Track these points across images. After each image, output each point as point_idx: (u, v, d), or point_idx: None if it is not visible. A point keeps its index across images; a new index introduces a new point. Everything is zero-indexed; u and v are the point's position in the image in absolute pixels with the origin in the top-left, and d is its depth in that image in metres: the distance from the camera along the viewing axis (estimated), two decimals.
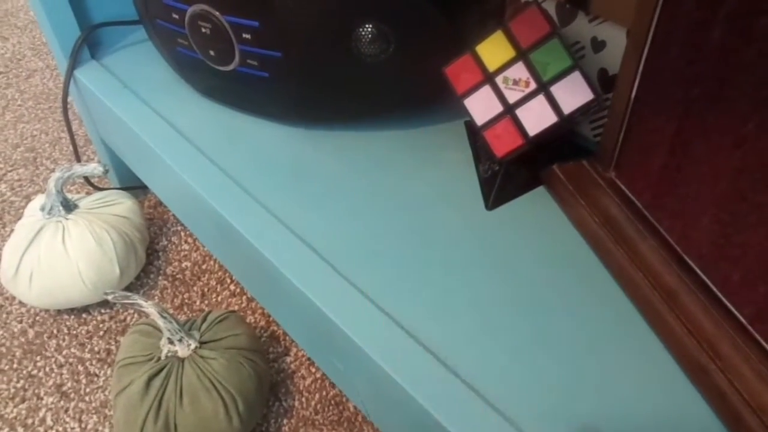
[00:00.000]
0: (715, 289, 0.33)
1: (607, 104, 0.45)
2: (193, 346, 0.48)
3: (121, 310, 0.61)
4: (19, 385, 0.56)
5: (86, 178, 0.69)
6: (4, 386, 0.55)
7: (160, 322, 0.47)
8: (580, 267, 0.40)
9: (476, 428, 0.32)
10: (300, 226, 0.44)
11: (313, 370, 0.57)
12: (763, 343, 0.30)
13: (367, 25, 0.44)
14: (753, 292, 0.31)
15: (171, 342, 0.48)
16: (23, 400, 0.55)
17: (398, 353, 0.36)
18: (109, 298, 0.47)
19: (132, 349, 0.49)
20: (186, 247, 0.68)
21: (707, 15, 0.29)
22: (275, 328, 0.60)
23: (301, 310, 0.42)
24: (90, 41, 0.61)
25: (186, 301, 0.63)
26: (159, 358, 0.48)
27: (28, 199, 0.73)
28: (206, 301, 0.63)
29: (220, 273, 0.65)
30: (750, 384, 0.30)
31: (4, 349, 0.58)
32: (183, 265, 0.66)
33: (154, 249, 0.67)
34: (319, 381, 0.56)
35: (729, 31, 0.29)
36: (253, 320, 0.61)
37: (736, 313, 0.32)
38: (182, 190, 0.51)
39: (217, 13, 0.46)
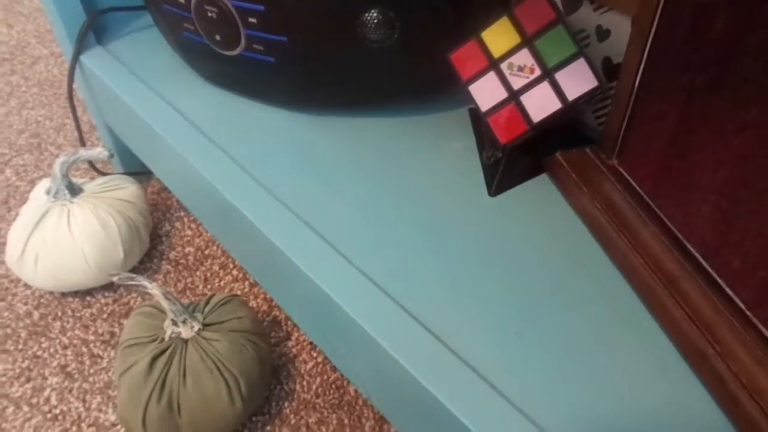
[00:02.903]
0: (715, 275, 0.33)
1: (610, 93, 0.45)
2: (196, 328, 0.48)
3: (124, 294, 0.62)
4: (24, 365, 0.56)
5: (91, 163, 0.69)
6: (9, 366, 0.56)
7: (165, 304, 0.47)
8: (581, 253, 0.41)
9: (477, 407, 0.33)
10: (304, 210, 0.44)
11: (315, 354, 0.57)
12: (761, 327, 0.31)
13: (372, 11, 0.44)
14: (752, 277, 0.31)
15: (175, 323, 0.48)
16: (28, 380, 0.55)
17: (401, 335, 0.36)
18: (115, 279, 0.47)
19: (136, 330, 0.49)
20: (189, 232, 0.68)
21: (711, 1, 0.30)
22: (277, 313, 0.60)
23: (305, 293, 0.42)
24: (95, 27, 0.62)
25: (189, 285, 0.63)
26: (163, 339, 0.48)
27: (32, 184, 0.73)
28: (209, 286, 0.63)
29: (222, 258, 0.65)
30: (747, 368, 0.31)
31: (9, 330, 0.59)
32: (186, 250, 0.66)
33: (157, 234, 0.68)
34: (320, 365, 0.56)
35: (733, 18, 0.29)
36: (255, 305, 0.61)
37: (735, 298, 0.32)
38: (187, 175, 0.51)
39: None
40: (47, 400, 0.54)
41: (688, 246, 0.35)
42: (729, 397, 0.31)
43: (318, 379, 0.55)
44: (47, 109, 0.84)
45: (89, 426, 0.52)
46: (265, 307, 0.61)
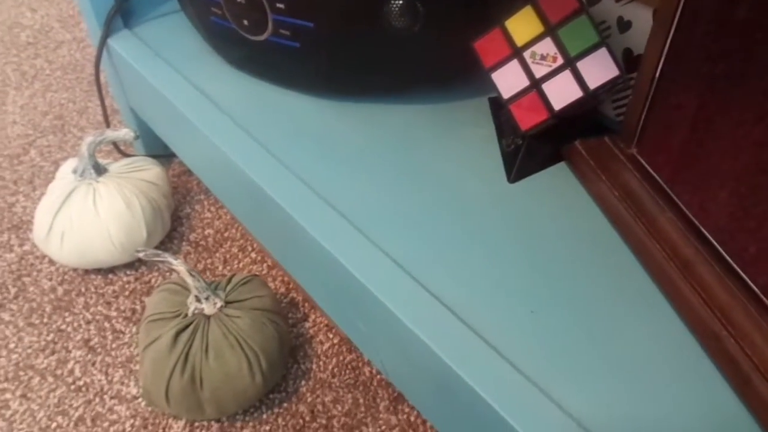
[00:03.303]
0: (730, 260, 0.34)
1: (630, 83, 0.46)
2: (219, 305, 0.50)
3: (145, 273, 0.63)
4: (49, 338, 0.58)
5: (115, 144, 0.70)
6: (35, 339, 0.58)
7: (189, 280, 0.49)
8: (598, 239, 0.42)
9: (496, 383, 0.34)
10: (328, 191, 0.46)
11: (331, 335, 0.58)
12: None
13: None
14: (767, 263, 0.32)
15: (198, 300, 0.49)
16: (53, 353, 0.57)
17: (422, 313, 0.38)
18: (141, 255, 0.49)
19: (160, 305, 0.51)
20: (209, 215, 0.70)
21: None
22: (295, 295, 0.62)
23: (328, 272, 0.43)
24: (123, 11, 0.63)
25: (208, 266, 0.65)
26: (186, 315, 0.49)
27: (56, 164, 0.75)
28: (228, 267, 0.64)
29: (241, 241, 0.67)
30: (760, 350, 0.32)
31: (35, 305, 0.60)
32: (206, 232, 0.68)
33: (177, 216, 0.69)
34: (336, 346, 0.58)
35: (756, 7, 0.30)
36: (273, 287, 0.62)
37: (750, 283, 0.33)
38: (212, 156, 0.53)
39: None
40: (71, 372, 0.56)
41: (705, 232, 0.36)
42: (741, 377, 0.32)
43: (334, 360, 0.57)
44: (70, 92, 0.86)
45: (111, 398, 0.54)
46: (282, 289, 0.62)
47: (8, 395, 0.54)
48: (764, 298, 0.32)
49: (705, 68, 0.34)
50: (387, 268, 0.40)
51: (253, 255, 0.65)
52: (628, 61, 0.47)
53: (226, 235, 0.67)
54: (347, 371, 0.56)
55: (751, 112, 0.31)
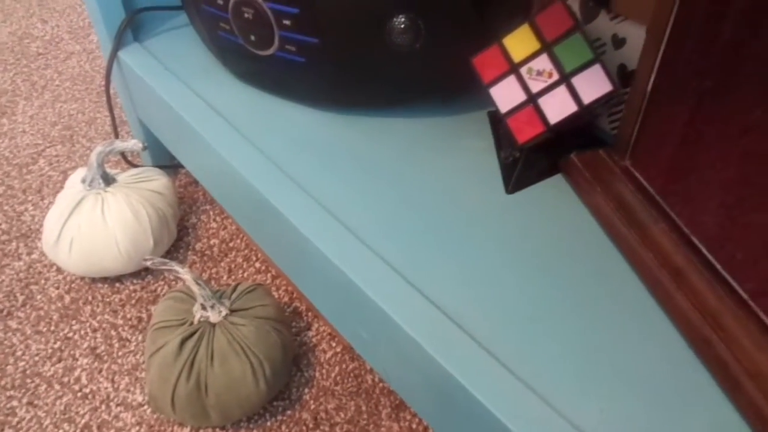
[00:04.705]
0: (719, 267, 0.36)
1: (624, 98, 0.48)
2: (224, 313, 0.51)
3: (151, 282, 0.65)
4: (56, 346, 0.59)
5: (123, 155, 0.72)
6: (42, 346, 0.59)
7: (195, 288, 0.50)
8: (593, 248, 0.43)
9: (497, 391, 0.35)
10: (331, 202, 0.47)
11: (334, 344, 0.60)
12: (763, 316, 0.33)
13: (400, 17, 0.47)
14: (754, 269, 0.33)
15: (204, 308, 0.51)
16: (60, 360, 0.58)
17: (423, 321, 0.39)
18: (148, 264, 0.50)
19: (166, 313, 0.52)
20: (214, 225, 0.71)
21: (720, 9, 0.32)
22: (298, 304, 0.63)
23: (331, 281, 0.45)
24: (133, 24, 0.65)
25: (213, 276, 0.66)
26: (192, 323, 0.51)
27: (65, 174, 0.76)
28: (233, 277, 0.66)
29: (246, 251, 0.68)
30: (749, 353, 0.33)
31: (42, 313, 0.62)
32: (211, 242, 0.69)
33: (183, 226, 0.70)
34: (339, 354, 0.59)
35: (740, 25, 0.31)
36: (277, 296, 0.64)
37: (738, 289, 0.34)
38: (219, 168, 0.54)
39: (260, 0, 0.49)
40: (78, 379, 0.57)
41: (695, 241, 0.37)
42: (731, 380, 0.33)
43: (337, 368, 0.58)
44: (79, 102, 0.87)
45: (117, 405, 0.55)
46: (286, 299, 0.63)
47: (15, 402, 0.55)
48: (752, 303, 0.34)
49: (694, 84, 0.36)
50: (389, 278, 0.42)
51: (258, 265, 0.67)
52: (622, 76, 0.48)
53: (231, 245, 0.69)
54: (350, 379, 0.57)
55: (737, 126, 0.33)
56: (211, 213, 0.72)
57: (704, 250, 0.36)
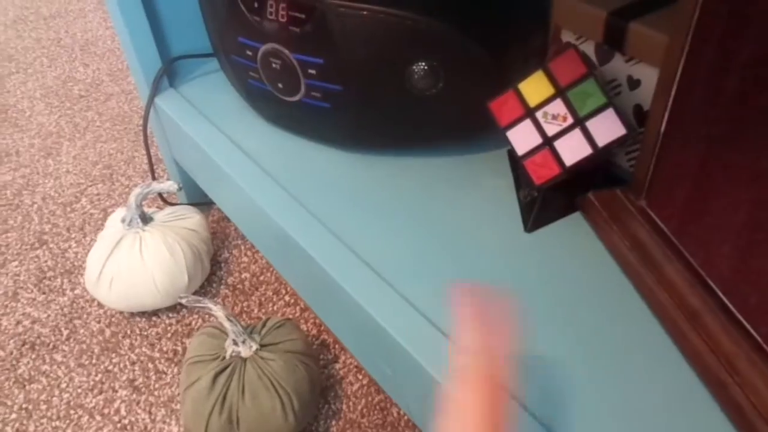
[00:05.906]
0: (734, 310, 0.36)
1: (641, 137, 0.49)
2: (254, 348, 0.53)
3: (186, 316, 0.67)
4: (97, 379, 0.62)
5: (160, 194, 0.75)
6: (84, 379, 0.62)
7: (227, 325, 0.52)
8: (611, 287, 0.44)
9: (516, 429, 0.36)
10: (354, 241, 0.49)
11: (360, 377, 0.61)
12: None
13: (419, 63, 0.49)
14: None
15: (235, 343, 0.53)
16: (101, 392, 0.61)
17: (444, 360, 0.40)
18: (183, 301, 0.53)
19: (200, 348, 0.54)
20: (245, 259, 0.73)
21: (725, 64, 0.33)
22: (326, 337, 0.65)
23: (355, 318, 0.46)
24: (169, 71, 0.68)
25: (245, 309, 0.68)
26: (224, 358, 0.53)
27: (105, 211, 0.80)
28: (263, 310, 0.68)
29: (276, 284, 0.70)
30: (765, 398, 0.33)
31: (84, 346, 0.65)
32: (243, 276, 0.72)
33: (216, 260, 0.73)
34: (365, 387, 0.60)
35: (744, 79, 0.32)
36: (305, 329, 0.65)
37: (753, 332, 0.35)
38: (248, 207, 0.57)
39: (287, 51, 0.51)
40: (117, 411, 0.59)
41: (710, 282, 0.38)
42: (747, 425, 0.33)
43: (363, 401, 0.59)
44: (118, 142, 0.92)
45: None
46: (314, 332, 0.65)
47: None
48: (766, 347, 0.34)
49: (703, 130, 0.36)
50: (410, 316, 0.43)
51: (287, 298, 0.69)
52: (638, 115, 0.49)
53: (261, 278, 0.71)
54: (375, 412, 0.58)
55: (746, 173, 0.34)
56: (243, 247, 0.75)
57: (719, 292, 0.37)
